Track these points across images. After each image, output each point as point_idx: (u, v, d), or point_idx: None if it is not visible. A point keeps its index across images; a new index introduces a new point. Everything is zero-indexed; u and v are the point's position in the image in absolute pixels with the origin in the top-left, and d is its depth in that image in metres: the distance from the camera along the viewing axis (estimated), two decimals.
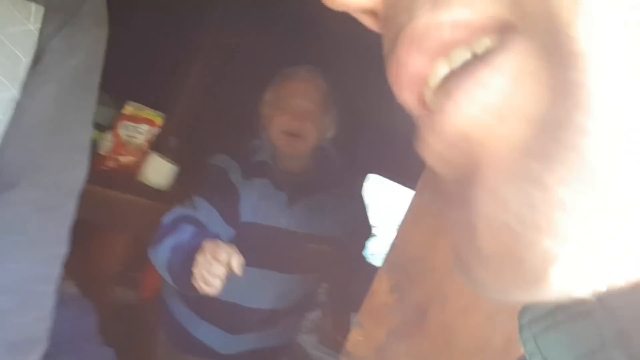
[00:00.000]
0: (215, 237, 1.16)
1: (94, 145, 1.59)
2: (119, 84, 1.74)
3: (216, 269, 0.95)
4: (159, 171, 1.64)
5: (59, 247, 0.68)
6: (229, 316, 1.36)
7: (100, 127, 1.60)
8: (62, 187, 0.65)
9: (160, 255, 1.15)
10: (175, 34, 1.89)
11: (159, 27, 1.89)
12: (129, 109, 1.58)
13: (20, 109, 0.56)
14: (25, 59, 0.52)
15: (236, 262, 0.97)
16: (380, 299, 0.69)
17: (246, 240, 1.27)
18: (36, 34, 0.53)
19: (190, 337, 1.40)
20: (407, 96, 0.18)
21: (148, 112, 1.62)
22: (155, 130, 1.65)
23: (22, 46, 0.51)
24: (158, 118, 1.64)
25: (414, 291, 0.67)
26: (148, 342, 1.55)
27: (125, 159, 1.61)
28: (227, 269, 0.96)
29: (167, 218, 1.24)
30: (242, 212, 1.28)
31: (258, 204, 1.29)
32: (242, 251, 1.28)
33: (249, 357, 1.42)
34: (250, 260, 1.30)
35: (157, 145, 1.68)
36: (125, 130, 1.58)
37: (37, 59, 0.55)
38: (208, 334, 1.38)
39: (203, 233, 1.15)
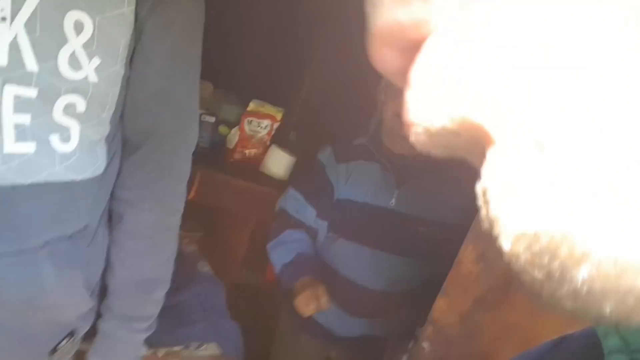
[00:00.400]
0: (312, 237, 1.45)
1: (224, 140, 1.77)
2: (245, 84, 1.91)
3: (308, 308, 1.31)
4: (278, 162, 1.76)
5: (178, 202, 0.78)
6: (344, 294, 1.41)
7: (228, 123, 1.78)
8: (177, 149, 0.75)
9: (274, 263, 1.45)
10: (295, 36, 2.01)
11: (280, 31, 2.04)
12: (253, 105, 1.72)
13: (131, 83, 0.66)
14: (123, 39, 0.61)
15: (324, 304, 1.30)
16: (466, 268, 0.69)
17: (354, 219, 1.37)
18: (131, 15, 0.61)
19: (307, 318, 1.48)
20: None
21: (269, 108, 1.75)
22: (276, 125, 1.78)
23: (119, 28, 0.60)
24: (278, 113, 1.77)
25: (502, 260, 0.66)
26: (271, 321, 1.67)
27: (250, 152, 1.76)
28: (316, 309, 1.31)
29: (276, 211, 1.49)
30: (344, 195, 1.38)
31: (366, 185, 1.36)
32: (351, 229, 1.38)
33: (364, 342, 1.45)
34: (361, 239, 1.36)
35: (278, 138, 1.81)
36: (249, 125, 1.73)
37: (137, 38, 0.63)
38: (324, 313, 1.44)
39: (303, 246, 1.42)
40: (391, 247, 1.36)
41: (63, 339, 0.71)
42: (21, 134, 0.56)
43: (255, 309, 2.04)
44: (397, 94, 1.34)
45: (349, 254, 1.38)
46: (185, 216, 0.86)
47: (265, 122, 1.76)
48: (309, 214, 1.42)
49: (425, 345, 0.71)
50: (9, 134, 0.56)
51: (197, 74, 0.74)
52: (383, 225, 1.35)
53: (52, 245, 0.64)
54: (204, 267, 1.82)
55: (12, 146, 0.56)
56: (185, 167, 0.78)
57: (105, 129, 0.66)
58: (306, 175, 1.48)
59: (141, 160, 0.73)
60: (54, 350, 0.70)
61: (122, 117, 0.69)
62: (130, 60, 0.64)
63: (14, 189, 0.57)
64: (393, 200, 1.35)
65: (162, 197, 0.76)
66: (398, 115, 1.33)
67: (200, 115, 1.60)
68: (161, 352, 1.49)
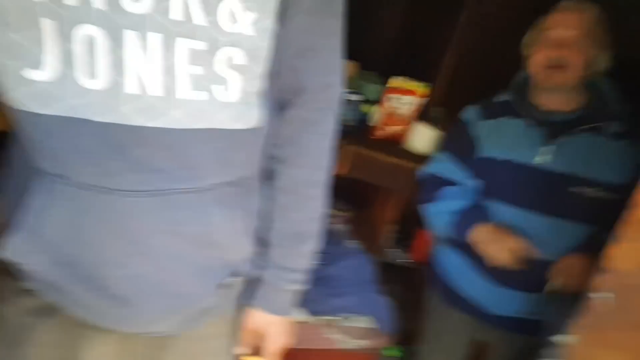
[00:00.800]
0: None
1: (367, 117, 1.80)
2: (388, 63, 1.91)
3: (504, 256, 1.25)
4: (423, 139, 1.74)
5: (324, 158, 0.81)
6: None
7: (371, 102, 1.80)
8: (321, 105, 0.77)
9: (440, 213, 1.39)
10: (436, 11, 1.97)
11: (421, 7, 2.01)
12: (395, 82, 1.72)
13: (280, 40, 0.68)
14: None
15: (522, 249, 1.22)
16: None
17: (498, 177, 1.30)
18: None
19: (458, 295, 1.43)
20: None
21: (411, 84, 1.73)
22: (419, 101, 1.75)
23: None
24: (420, 88, 1.74)
25: None
26: (419, 300, 1.65)
27: (393, 129, 1.77)
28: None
29: (423, 175, 1.47)
30: (486, 153, 1.32)
31: (510, 142, 1.28)
32: (495, 188, 1.31)
33: (520, 327, 1.35)
34: (507, 198, 1.29)
35: (422, 114, 1.78)
36: (390, 102, 1.74)
37: None
38: (472, 286, 1.39)
39: (470, 197, 1.35)
40: (541, 208, 1.25)
41: (228, 277, 0.78)
42: (194, 83, 0.63)
43: (403, 289, 2.04)
44: (543, 41, 1.24)
45: (497, 214, 1.30)
46: (336, 196, 0.88)
47: (407, 98, 1.74)
48: (458, 175, 1.38)
49: (598, 296, 0.64)
50: (184, 83, 0.62)
51: (340, 29, 0.74)
52: (528, 183, 1.25)
53: (218, 189, 0.70)
54: (354, 245, 1.87)
55: (187, 94, 0.63)
56: (331, 123, 0.80)
57: (260, 84, 0.70)
58: (451, 137, 1.44)
59: (289, 118, 0.77)
60: (220, 285, 0.77)
61: (272, 75, 0.73)
62: (280, 17, 0.67)
63: (188, 133, 0.64)
64: (538, 158, 1.25)
65: (308, 154, 0.80)
66: (544, 65, 1.23)
67: (346, 93, 1.65)
68: (319, 320, 1.57)
